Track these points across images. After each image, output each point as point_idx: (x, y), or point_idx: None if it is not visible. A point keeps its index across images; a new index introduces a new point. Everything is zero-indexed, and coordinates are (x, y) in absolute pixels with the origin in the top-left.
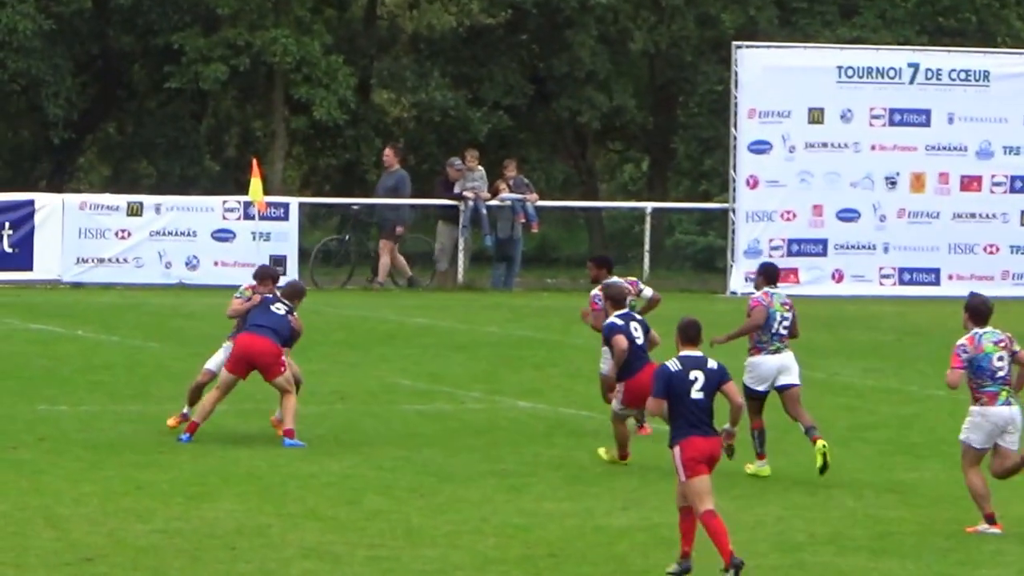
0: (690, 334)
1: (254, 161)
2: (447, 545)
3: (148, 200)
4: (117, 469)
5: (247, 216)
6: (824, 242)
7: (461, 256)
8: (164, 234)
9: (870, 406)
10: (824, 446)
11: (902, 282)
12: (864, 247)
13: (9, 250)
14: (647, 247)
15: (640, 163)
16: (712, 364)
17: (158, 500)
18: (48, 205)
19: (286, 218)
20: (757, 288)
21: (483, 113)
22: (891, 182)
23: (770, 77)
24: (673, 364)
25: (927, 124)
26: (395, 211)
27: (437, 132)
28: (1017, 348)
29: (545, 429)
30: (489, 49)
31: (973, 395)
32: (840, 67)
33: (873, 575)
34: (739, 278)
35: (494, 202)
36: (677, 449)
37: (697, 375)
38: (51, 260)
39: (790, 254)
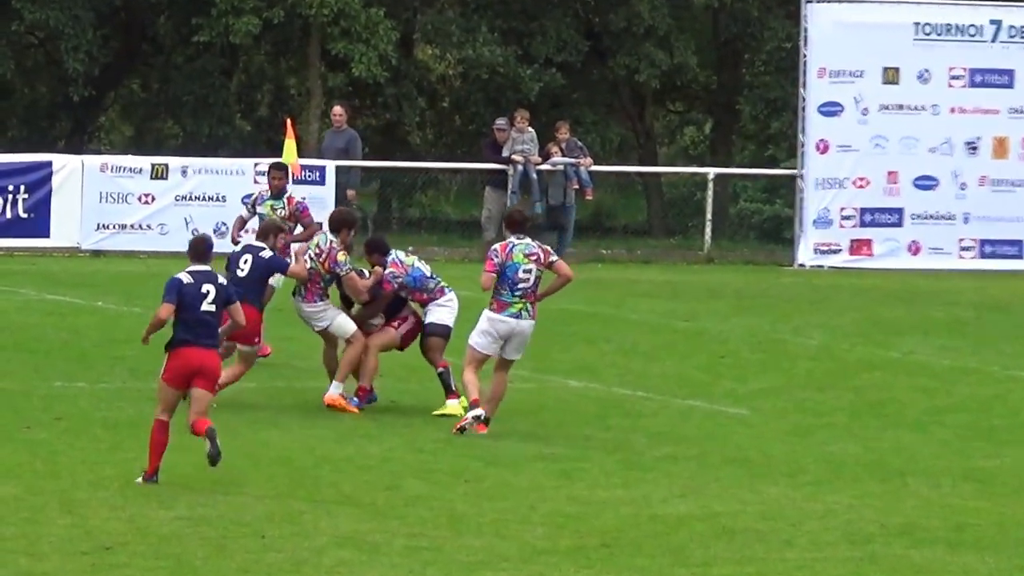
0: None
1: (288, 121)
2: (492, 534)
3: (174, 162)
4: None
5: None
6: (900, 212)
7: None
8: (191, 199)
9: (947, 387)
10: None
11: (983, 255)
12: (943, 217)
13: (24, 215)
14: (709, 215)
15: (702, 125)
16: (222, 279)
17: (182, 485)
18: (66, 167)
19: (322, 182)
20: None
21: (534, 71)
22: (972, 147)
23: (842, 34)
24: (185, 277)
25: (1010, 86)
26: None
27: (484, 91)
28: None
29: (598, 410)
30: (541, 2)
31: None
32: (917, 24)
33: (950, 569)
34: (807, 250)
35: (545, 166)
36: (168, 355)
37: (209, 289)
38: (69, 226)
39: (863, 224)
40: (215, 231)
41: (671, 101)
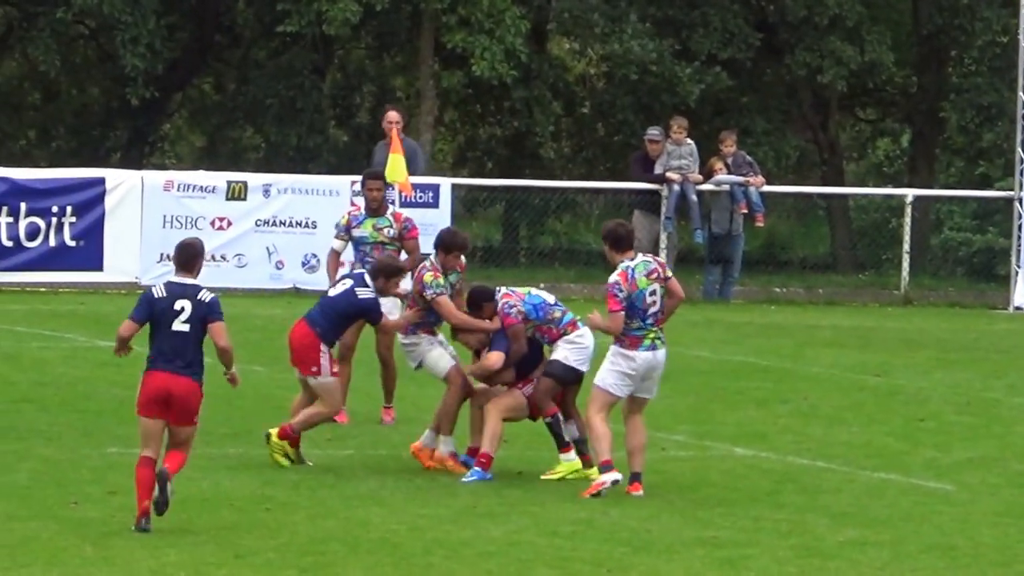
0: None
1: (394, 131)
2: None
3: (254, 179)
4: (210, 533)
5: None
6: None
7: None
8: (275, 224)
9: None
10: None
11: None
12: None
13: (72, 243)
14: (906, 247)
15: (899, 137)
16: (204, 295)
17: (263, 574)
18: (123, 185)
19: (435, 204)
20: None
21: (694, 70)
22: None
23: None
24: (158, 290)
25: None
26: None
27: (634, 94)
28: None
29: (769, 485)
30: None
31: None
32: None
33: None
34: None
35: (707, 186)
36: (141, 380)
37: (184, 305)
38: (126, 257)
39: None
40: (304, 264)
41: (861, 107)
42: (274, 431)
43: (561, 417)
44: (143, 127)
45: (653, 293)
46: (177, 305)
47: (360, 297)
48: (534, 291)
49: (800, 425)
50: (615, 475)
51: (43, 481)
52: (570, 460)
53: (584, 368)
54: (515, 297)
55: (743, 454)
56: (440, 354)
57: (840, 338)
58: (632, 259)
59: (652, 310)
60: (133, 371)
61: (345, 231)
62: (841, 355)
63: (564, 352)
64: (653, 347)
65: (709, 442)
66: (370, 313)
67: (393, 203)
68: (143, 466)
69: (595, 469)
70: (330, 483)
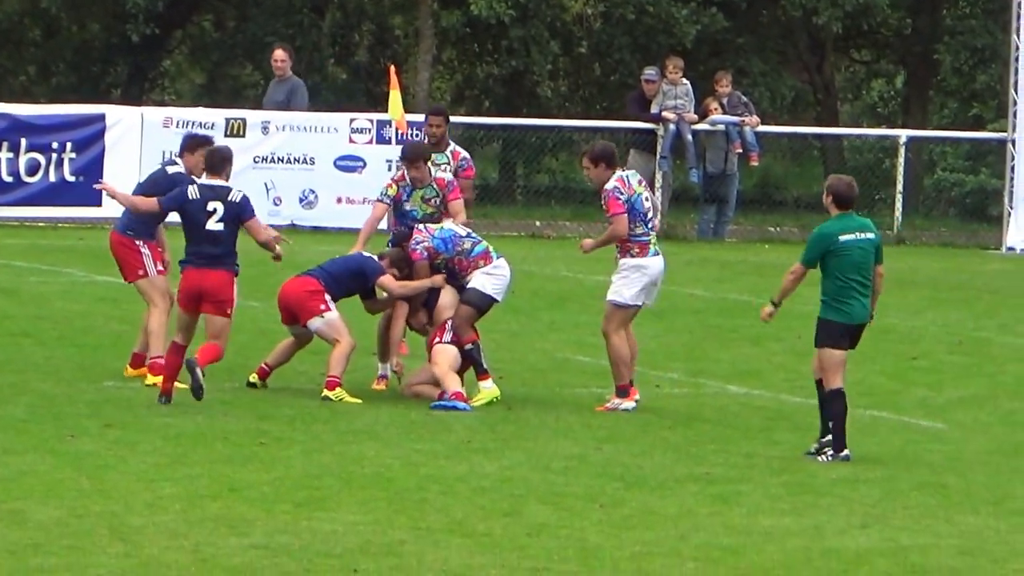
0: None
1: (392, 69)
2: (633, 571)
3: (253, 116)
4: (205, 466)
5: (381, 139)
6: None
7: (659, 196)
8: (273, 161)
9: None
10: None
11: None
12: None
13: (71, 179)
14: (900, 187)
15: (893, 78)
16: (236, 195)
17: (258, 507)
18: (122, 121)
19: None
20: None
21: (691, 10)
22: None
23: None
24: (192, 191)
25: None
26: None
27: (630, 34)
28: None
29: (762, 422)
30: None
31: None
32: None
33: None
34: (1019, 230)
35: (702, 126)
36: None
37: (216, 206)
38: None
39: None
40: (301, 201)
41: (856, 49)
42: (329, 392)
43: (480, 345)
44: (143, 64)
45: (648, 199)
46: (210, 206)
47: (366, 256)
48: (447, 224)
49: (793, 363)
50: (632, 403)
51: (40, 415)
52: (489, 388)
53: (500, 297)
54: (424, 233)
55: (736, 392)
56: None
57: None
58: (623, 170)
59: (650, 215)
60: (130, 306)
61: (392, 201)
62: None
63: (481, 280)
64: (657, 253)
65: (703, 380)
66: (372, 273)
67: (389, 142)
68: (172, 352)
69: None
70: (325, 418)
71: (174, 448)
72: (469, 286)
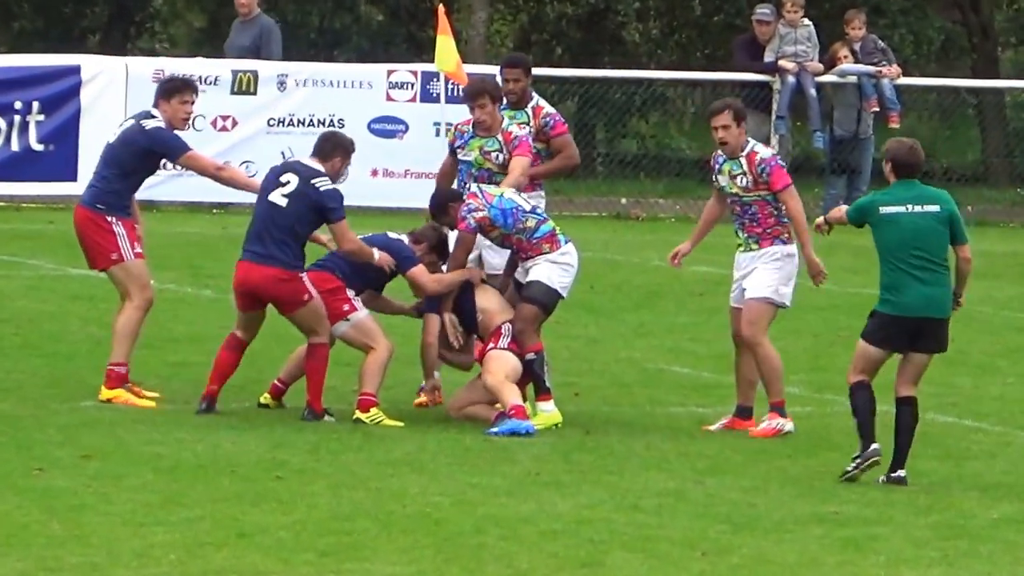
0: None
1: (440, 8)
2: None
3: (266, 69)
4: (207, 506)
5: (427, 96)
6: None
7: None
8: (292, 124)
9: None
10: None
11: None
12: None
13: (39, 147)
14: None
15: None
16: (320, 183)
17: (274, 557)
18: (103, 75)
19: None
20: None
21: None
22: None
23: None
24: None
25: None
26: None
27: None
28: None
29: None
30: None
31: None
32: None
33: None
34: None
35: (829, 77)
36: None
37: (290, 179)
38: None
39: None
40: None
41: None
42: (362, 414)
43: (545, 356)
44: (127, 3)
45: None
46: (284, 177)
47: (393, 239)
48: (508, 194)
49: (943, 375)
50: (791, 423)
51: (0, 443)
52: (549, 411)
53: (566, 293)
54: (480, 199)
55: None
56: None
57: (993, 267)
58: None
59: None
60: (110, 306)
61: (450, 148)
62: (994, 288)
63: (546, 271)
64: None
65: (830, 395)
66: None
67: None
68: (226, 347)
69: None
70: (357, 445)
71: (169, 484)
72: (531, 278)
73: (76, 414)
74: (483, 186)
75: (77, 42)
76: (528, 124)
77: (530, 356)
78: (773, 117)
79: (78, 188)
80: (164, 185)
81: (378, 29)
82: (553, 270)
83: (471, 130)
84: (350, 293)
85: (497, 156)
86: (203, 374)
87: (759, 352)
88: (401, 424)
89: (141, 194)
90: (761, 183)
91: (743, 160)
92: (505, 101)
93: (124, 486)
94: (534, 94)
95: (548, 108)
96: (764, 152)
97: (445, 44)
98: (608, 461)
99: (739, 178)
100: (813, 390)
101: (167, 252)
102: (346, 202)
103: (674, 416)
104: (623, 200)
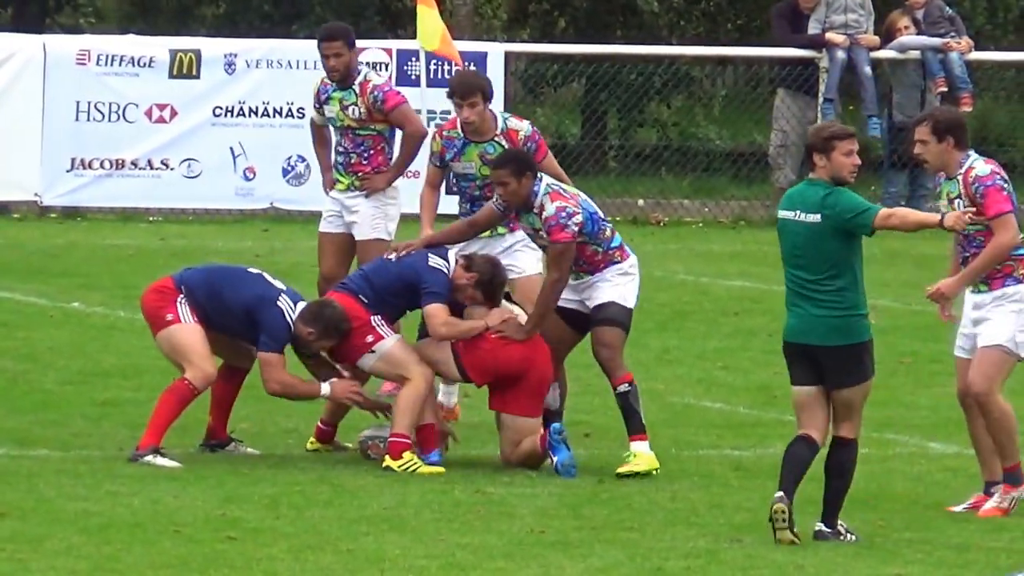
0: None
1: None
2: None
3: (210, 47)
4: (146, 574)
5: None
6: None
7: None
8: (242, 113)
9: None
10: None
11: None
12: None
13: None
14: None
15: None
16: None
17: None
18: (16, 56)
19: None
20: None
21: None
22: None
23: None
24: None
25: None
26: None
27: None
28: None
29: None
30: None
31: None
32: None
33: None
34: None
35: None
36: None
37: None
38: (23, 166)
39: None
40: (286, 173)
41: None
42: (392, 462)
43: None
44: None
45: None
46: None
47: (431, 269)
48: (583, 195)
49: None
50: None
51: None
52: (646, 452)
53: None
54: (572, 200)
55: (941, 451)
56: None
57: None
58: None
59: None
60: (28, 333)
61: (439, 161)
62: None
63: (620, 289)
64: None
65: (891, 434)
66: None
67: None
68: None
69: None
70: (325, 498)
71: (99, 547)
72: (604, 299)
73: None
74: (558, 184)
75: None
76: (356, 104)
77: (623, 388)
78: (820, 100)
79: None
80: (90, 188)
81: (341, 0)
82: (623, 284)
83: (460, 135)
84: (375, 320)
85: (354, 110)
86: (138, 414)
87: (990, 409)
88: (441, 470)
89: (63, 200)
90: (980, 207)
91: (968, 181)
92: (329, 82)
93: (45, 549)
94: (361, 67)
95: (376, 79)
96: (981, 168)
97: (428, 16)
98: (625, 515)
99: (956, 202)
100: (871, 428)
101: (95, 269)
102: (309, 207)
103: (705, 460)
104: (640, 202)
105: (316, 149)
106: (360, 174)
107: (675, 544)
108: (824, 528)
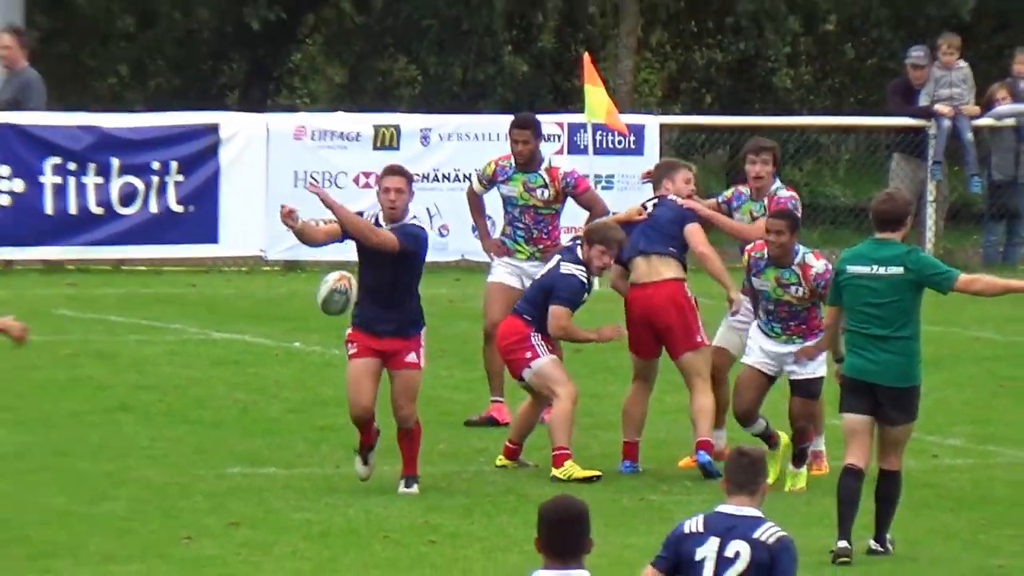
0: None
1: (586, 57)
2: None
3: (408, 123)
4: (360, 573)
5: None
6: None
7: (930, 211)
8: (437, 179)
9: None
10: None
11: None
12: None
13: (178, 209)
14: None
15: None
16: None
17: None
18: (242, 132)
19: (639, 151)
20: None
21: None
22: None
23: None
24: None
25: None
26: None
27: (891, 5)
28: None
29: None
30: None
31: None
32: None
33: None
34: None
35: (986, 120)
36: None
37: None
38: (248, 225)
39: None
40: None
41: None
42: (556, 471)
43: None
44: (266, 59)
45: None
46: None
47: (561, 272)
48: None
49: None
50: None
51: (146, 511)
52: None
53: None
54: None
55: None
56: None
57: None
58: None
59: None
60: (257, 370)
61: (488, 182)
62: None
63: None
64: None
65: (993, 447)
66: (556, 290)
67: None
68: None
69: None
70: (511, 506)
71: (319, 551)
72: (818, 374)
73: (223, 481)
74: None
75: (215, 100)
76: (546, 186)
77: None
78: (929, 163)
79: (219, 250)
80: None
81: (523, 80)
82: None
83: (512, 164)
84: (534, 338)
85: (542, 192)
86: (351, 437)
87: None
88: (598, 473)
89: (284, 254)
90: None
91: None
92: (513, 164)
93: (274, 554)
94: (544, 156)
95: (563, 168)
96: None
97: (595, 93)
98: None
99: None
100: (976, 442)
101: (312, 314)
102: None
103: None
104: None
105: (476, 218)
106: (542, 247)
107: (810, 542)
108: (875, 545)
